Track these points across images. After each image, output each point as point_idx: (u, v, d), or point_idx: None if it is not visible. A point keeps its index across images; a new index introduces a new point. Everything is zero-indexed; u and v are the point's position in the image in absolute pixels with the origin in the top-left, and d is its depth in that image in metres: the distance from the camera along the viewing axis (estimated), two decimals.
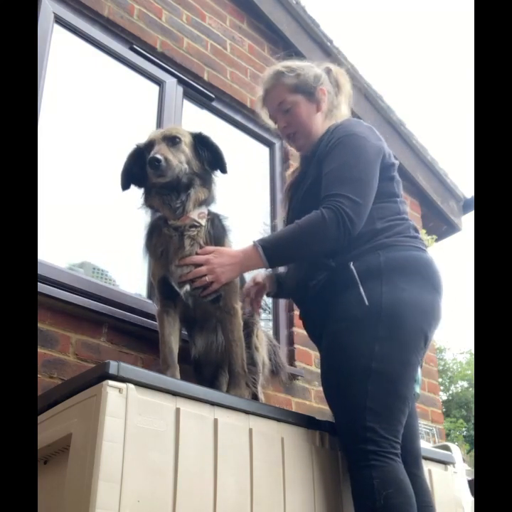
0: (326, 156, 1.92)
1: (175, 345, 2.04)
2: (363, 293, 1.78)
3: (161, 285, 2.02)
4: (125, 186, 2.09)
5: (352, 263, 1.83)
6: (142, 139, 2.10)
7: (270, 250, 1.84)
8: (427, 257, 1.90)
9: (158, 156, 1.92)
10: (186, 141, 2.05)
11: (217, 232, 2.06)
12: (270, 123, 2.22)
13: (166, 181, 1.97)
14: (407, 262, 1.85)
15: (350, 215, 1.78)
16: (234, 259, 1.90)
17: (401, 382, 1.75)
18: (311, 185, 1.95)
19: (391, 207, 1.94)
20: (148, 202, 2.05)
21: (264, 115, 2.20)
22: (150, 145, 2.02)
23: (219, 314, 2.07)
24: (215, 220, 2.08)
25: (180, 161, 1.99)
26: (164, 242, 2.01)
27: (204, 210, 2.04)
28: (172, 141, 2.01)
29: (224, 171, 2.09)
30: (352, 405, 1.73)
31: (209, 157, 2.07)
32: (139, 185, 2.09)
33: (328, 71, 2.15)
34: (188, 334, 2.26)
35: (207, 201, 2.06)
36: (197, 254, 1.95)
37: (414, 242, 1.90)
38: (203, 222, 2.02)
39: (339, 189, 1.82)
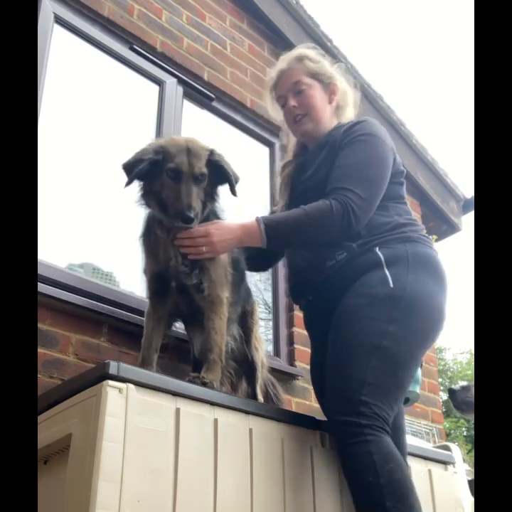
0: (342, 150, 1.94)
1: (156, 342, 2.00)
2: (388, 275, 1.81)
3: (153, 281, 2.01)
4: (129, 183, 1.89)
5: (378, 248, 1.86)
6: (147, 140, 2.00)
7: (272, 229, 1.84)
8: (440, 259, 1.97)
9: (192, 215, 1.81)
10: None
11: None
12: (273, 110, 2.21)
13: None
14: (429, 260, 1.91)
15: (356, 211, 1.82)
16: (233, 234, 1.88)
17: (403, 368, 1.75)
18: (323, 176, 1.95)
19: (405, 208, 2.04)
20: (146, 201, 1.95)
21: (270, 100, 2.19)
22: (176, 169, 1.86)
23: (203, 303, 1.97)
24: (210, 216, 1.99)
25: (201, 201, 1.89)
26: (156, 240, 1.98)
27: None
28: (199, 179, 1.89)
29: (233, 193, 1.97)
30: (351, 377, 1.69)
31: (218, 176, 1.95)
32: (140, 178, 1.94)
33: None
34: (187, 334, 2.26)
35: (210, 212, 1.98)
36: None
37: (430, 243, 1.99)
38: (195, 223, 1.92)
39: (351, 185, 1.85)
